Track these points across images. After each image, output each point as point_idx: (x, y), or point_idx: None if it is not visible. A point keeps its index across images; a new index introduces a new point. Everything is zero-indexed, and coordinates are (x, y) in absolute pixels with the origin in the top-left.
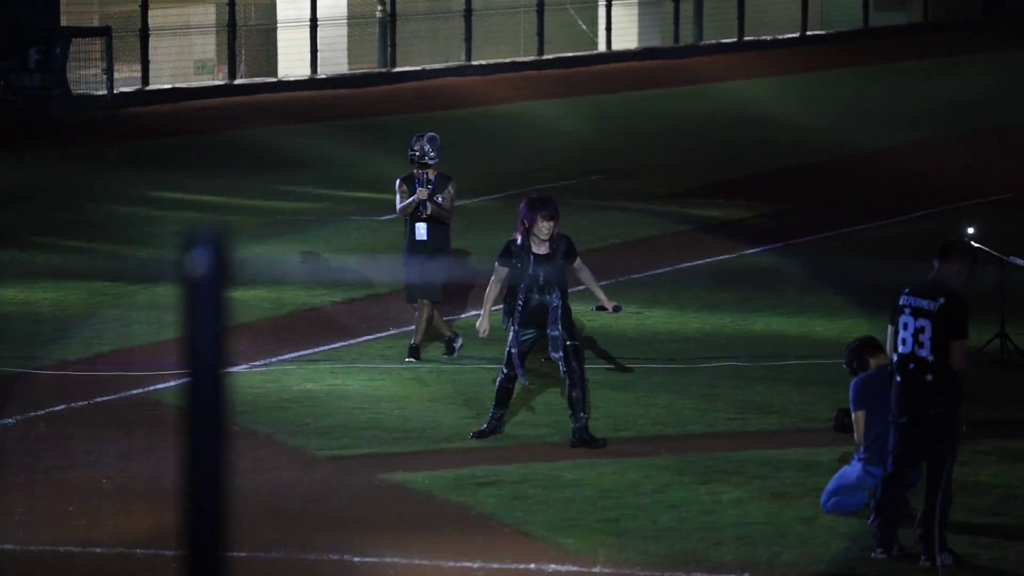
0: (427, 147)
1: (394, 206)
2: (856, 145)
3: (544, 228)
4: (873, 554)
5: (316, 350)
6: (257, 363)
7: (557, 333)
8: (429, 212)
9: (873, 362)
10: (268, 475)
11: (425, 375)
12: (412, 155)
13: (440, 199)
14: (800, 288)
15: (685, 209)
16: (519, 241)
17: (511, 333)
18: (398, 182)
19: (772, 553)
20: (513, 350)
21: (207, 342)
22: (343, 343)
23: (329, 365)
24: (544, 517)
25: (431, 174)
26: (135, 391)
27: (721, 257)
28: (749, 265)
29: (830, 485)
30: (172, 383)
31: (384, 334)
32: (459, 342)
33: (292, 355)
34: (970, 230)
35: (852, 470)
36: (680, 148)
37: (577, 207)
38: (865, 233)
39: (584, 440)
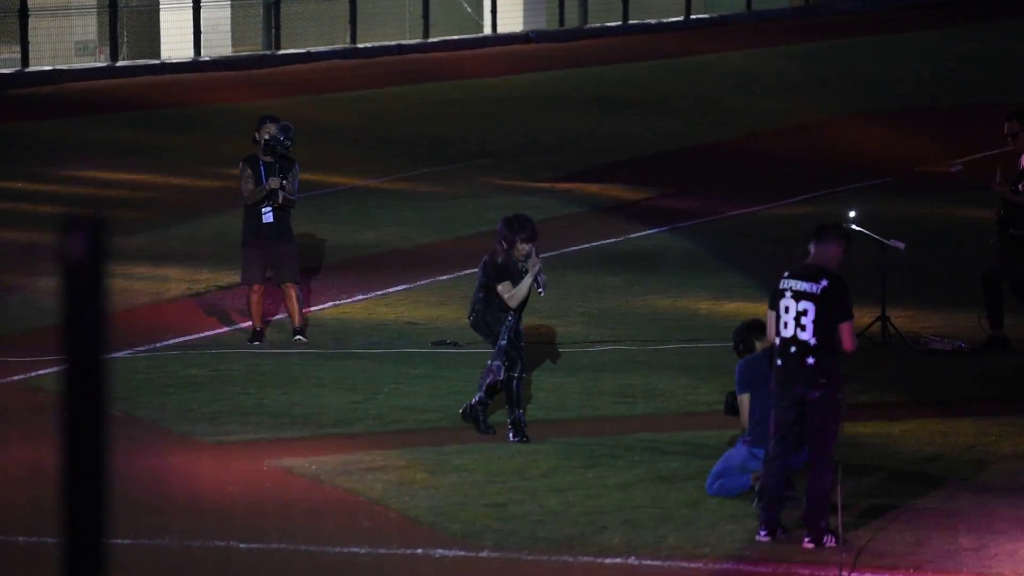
0: (281, 136)
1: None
2: (740, 128)
3: (523, 249)
4: (758, 536)
5: (200, 335)
6: (141, 348)
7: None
8: (280, 201)
9: (759, 345)
10: (152, 462)
11: (311, 360)
12: (265, 142)
13: (284, 183)
14: (685, 271)
15: (571, 192)
16: (502, 260)
17: (505, 341)
18: (241, 165)
19: (658, 536)
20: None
21: (86, 327)
22: (228, 328)
23: (214, 350)
24: (431, 502)
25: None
26: (15, 377)
27: (607, 241)
28: (635, 248)
29: (715, 468)
30: (52, 369)
31: (269, 319)
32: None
33: (176, 340)
34: (852, 214)
35: (737, 452)
36: (567, 131)
37: (464, 191)
38: (748, 216)
39: (474, 419)
